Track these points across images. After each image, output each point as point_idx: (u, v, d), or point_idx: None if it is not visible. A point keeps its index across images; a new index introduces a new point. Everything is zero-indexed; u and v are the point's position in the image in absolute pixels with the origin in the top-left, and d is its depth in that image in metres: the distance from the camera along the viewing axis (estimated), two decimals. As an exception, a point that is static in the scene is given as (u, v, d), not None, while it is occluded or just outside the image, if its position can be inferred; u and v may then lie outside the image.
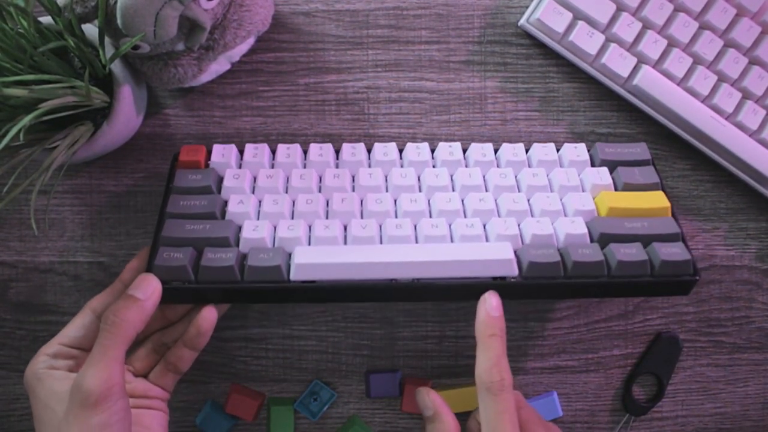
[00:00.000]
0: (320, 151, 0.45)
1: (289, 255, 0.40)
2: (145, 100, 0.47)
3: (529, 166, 0.45)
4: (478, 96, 0.49)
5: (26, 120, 0.36)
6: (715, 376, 0.50)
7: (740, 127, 0.47)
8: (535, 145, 0.45)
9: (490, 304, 0.39)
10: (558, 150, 0.46)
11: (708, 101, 0.47)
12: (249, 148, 0.44)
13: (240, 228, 0.41)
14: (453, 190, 0.43)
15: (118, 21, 0.37)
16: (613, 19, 0.46)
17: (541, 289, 0.39)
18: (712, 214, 0.50)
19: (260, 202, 0.43)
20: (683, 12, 0.46)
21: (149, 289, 0.38)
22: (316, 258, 0.38)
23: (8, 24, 0.38)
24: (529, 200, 0.43)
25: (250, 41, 0.46)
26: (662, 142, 0.49)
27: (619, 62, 0.46)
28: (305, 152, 0.46)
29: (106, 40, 0.40)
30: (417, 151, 0.45)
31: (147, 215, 0.48)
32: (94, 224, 0.49)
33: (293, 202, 0.42)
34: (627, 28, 0.46)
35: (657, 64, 0.47)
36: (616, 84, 0.47)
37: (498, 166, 0.45)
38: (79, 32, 0.39)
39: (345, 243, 0.40)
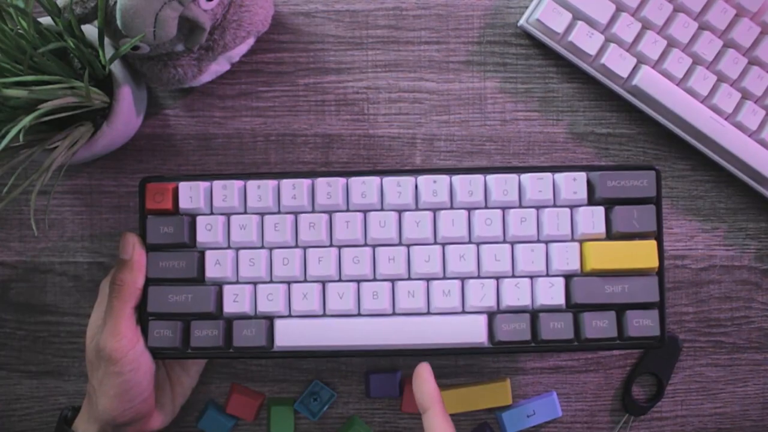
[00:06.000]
0: (293, 192, 0.42)
1: (272, 321, 0.42)
2: (144, 101, 0.47)
3: (520, 201, 0.42)
4: (477, 96, 0.49)
5: (26, 121, 0.36)
6: (714, 376, 0.50)
7: (740, 127, 0.47)
8: (530, 177, 0.42)
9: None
10: (555, 173, 0.42)
11: (707, 101, 0.47)
12: (217, 187, 0.42)
13: (221, 289, 0.42)
14: (434, 240, 0.42)
15: (118, 22, 0.37)
16: (613, 20, 0.46)
17: (510, 352, 0.43)
18: (712, 214, 0.50)
19: (237, 255, 0.42)
20: (683, 12, 0.46)
21: (129, 246, 0.42)
22: (294, 338, 0.42)
23: (8, 25, 0.38)
24: (513, 247, 0.42)
25: (250, 42, 0.46)
26: (662, 142, 0.49)
27: (618, 62, 0.46)
28: (279, 176, 0.43)
29: (106, 40, 0.40)
30: (398, 189, 0.42)
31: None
32: (94, 224, 0.49)
33: (270, 258, 0.42)
34: (626, 28, 0.46)
35: (656, 65, 0.47)
36: (615, 84, 0.47)
37: (486, 204, 0.42)
38: (78, 33, 0.39)
39: (324, 310, 0.42)
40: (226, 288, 0.42)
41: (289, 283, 0.42)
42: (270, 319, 0.42)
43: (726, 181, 0.49)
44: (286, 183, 0.42)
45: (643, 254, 0.41)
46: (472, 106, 0.49)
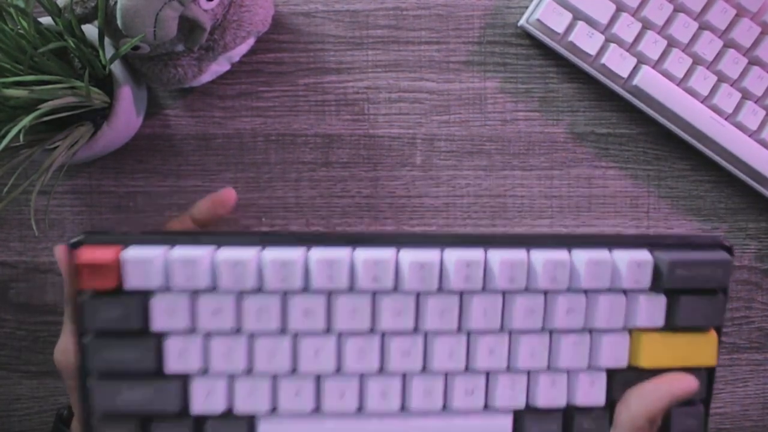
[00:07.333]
0: (282, 272, 0.32)
1: (254, 422, 0.34)
2: (145, 101, 0.47)
3: (570, 284, 0.34)
4: (477, 96, 0.49)
5: (26, 121, 0.36)
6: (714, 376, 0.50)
7: (740, 127, 0.47)
8: (586, 262, 0.34)
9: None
10: (614, 250, 0.35)
11: (708, 101, 0.47)
12: (178, 265, 0.32)
13: (187, 384, 0.34)
14: (459, 327, 0.34)
15: (118, 22, 0.37)
16: (613, 20, 0.46)
17: None
18: (711, 214, 0.50)
19: (208, 343, 0.33)
20: (683, 12, 0.46)
21: (59, 263, 0.35)
22: None
23: (8, 25, 0.38)
24: (551, 337, 0.35)
25: (250, 42, 0.46)
26: (662, 142, 0.49)
27: (618, 62, 0.46)
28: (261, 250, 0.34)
29: (106, 40, 0.40)
30: (420, 274, 0.33)
31: (147, 215, 0.48)
32: (94, 224, 0.49)
33: (249, 346, 0.34)
34: (627, 28, 0.46)
35: (657, 65, 0.47)
36: (615, 84, 0.47)
37: (526, 287, 0.34)
38: (79, 33, 0.39)
39: (318, 409, 0.34)
40: (195, 383, 0.33)
41: (275, 377, 0.34)
42: (251, 419, 0.34)
43: (726, 181, 0.49)
44: (273, 258, 0.33)
45: (701, 351, 0.35)
46: (472, 106, 0.49)
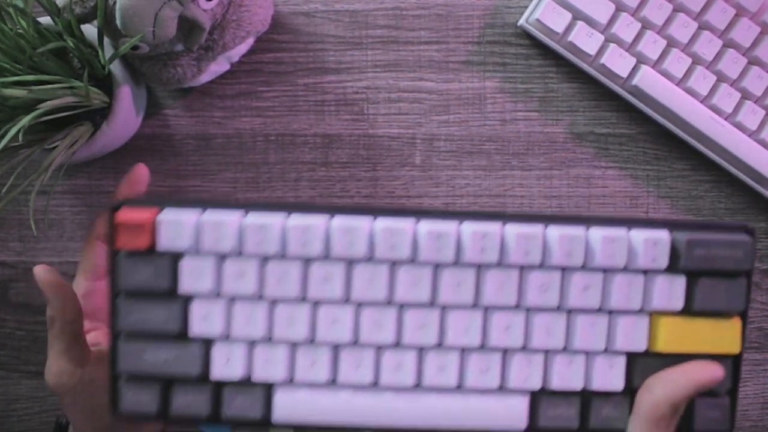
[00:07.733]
0: (303, 237, 0.33)
1: (271, 390, 0.35)
2: (144, 101, 0.47)
3: (585, 263, 0.34)
4: (477, 96, 0.49)
5: (25, 120, 0.36)
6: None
7: (739, 127, 0.47)
8: (602, 238, 0.33)
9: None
10: (631, 230, 0.34)
11: (707, 101, 0.47)
12: (209, 226, 0.33)
13: (209, 348, 0.34)
14: (475, 303, 0.34)
15: (118, 21, 0.37)
16: (613, 20, 0.46)
17: None
18: (711, 214, 0.50)
19: (230, 308, 0.34)
20: (682, 12, 0.46)
21: (39, 283, 0.36)
22: (298, 412, 0.35)
23: (7, 24, 0.38)
24: (569, 317, 0.35)
25: (250, 41, 0.46)
26: (662, 142, 0.49)
27: (618, 62, 0.46)
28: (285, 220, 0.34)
29: (106, 40, 0.40)
30: (437, 244, 0.33)
31: (147, 215, 0.49)
32: (93, 224, 0.49)
33: (271, 314, 0.34)
34: (626, 28, 0.46)
35: (656, 65, 0.47)
36: (615, 84, 0.47)
37: (542, 264, 0.34)
38: (78, 33, 0.39)
39: (335, 381, 0.35)
40: (216, 347, 0.34)
41: (294, 344, 0.35)
42: (268, 387, 0.35)
43: (726, 181, 0.49)
44: (295, 225, 0.33)
45: (724, 337, 0.34)
46: (471, 106, 0.49)
